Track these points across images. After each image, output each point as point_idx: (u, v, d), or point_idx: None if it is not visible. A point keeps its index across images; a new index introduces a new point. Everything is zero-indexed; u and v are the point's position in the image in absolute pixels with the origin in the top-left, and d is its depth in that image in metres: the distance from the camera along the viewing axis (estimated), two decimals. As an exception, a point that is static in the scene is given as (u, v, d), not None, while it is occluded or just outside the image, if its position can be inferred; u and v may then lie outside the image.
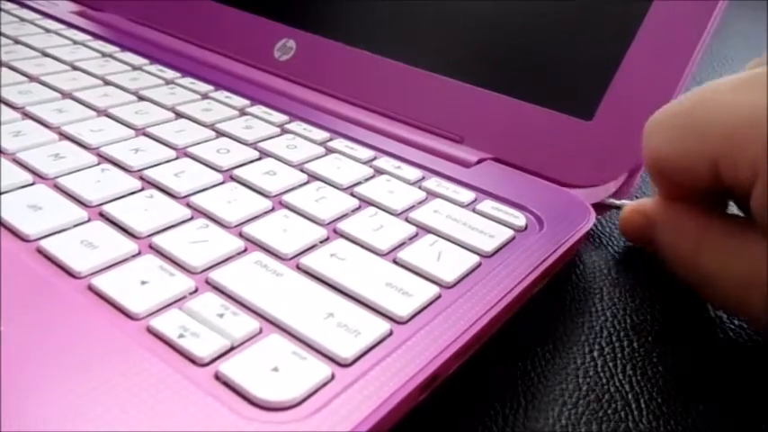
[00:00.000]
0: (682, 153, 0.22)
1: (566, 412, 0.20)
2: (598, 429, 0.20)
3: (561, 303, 0.25)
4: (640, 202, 0.26)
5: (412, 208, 0.25)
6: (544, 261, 0.23)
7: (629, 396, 0.21)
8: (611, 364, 0.22)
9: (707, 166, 0.21)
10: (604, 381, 0.22)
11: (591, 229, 0.26)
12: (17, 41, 0.38)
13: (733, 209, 0.24)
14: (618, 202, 0.28)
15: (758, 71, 0.21)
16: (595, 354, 0.23)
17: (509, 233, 0.24)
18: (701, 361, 0.23)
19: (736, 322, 0.25)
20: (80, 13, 0.44)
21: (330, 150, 0.29)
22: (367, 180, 0.27)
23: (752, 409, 0.21)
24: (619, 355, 0.23)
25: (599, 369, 0.22)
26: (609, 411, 0.20)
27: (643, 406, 0.21)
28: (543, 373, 0.22)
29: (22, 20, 0.42)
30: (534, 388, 0.21)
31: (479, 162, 0.29)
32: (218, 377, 0.17)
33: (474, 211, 0.26)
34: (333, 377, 0.17)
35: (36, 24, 0.42)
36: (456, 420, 0.20)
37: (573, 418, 0.20)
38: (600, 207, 0.28)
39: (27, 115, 0.29)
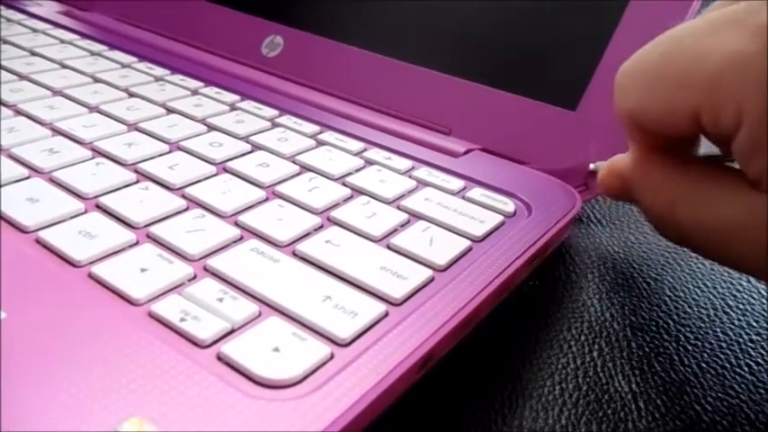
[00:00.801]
0: (659, 105, 0.21)
1: (566, 412, 0.20)
2: (598, 429, 0.20)
3: (561, 302, 0.25)
4: (614, 162, 0.25)
5: (403, 196, 0.26)
6: (533, 245, 0.23)
7: (629, 396, 0.21)
8: (610, 364, 0.22)
9: (686, 116, 0.20)
10: (604, 381, 0.22)
11: (579, 214, 0.26)
12: (5, 41, 0.38)
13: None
14: (596, 164, 0.28)
15: (732, 9, 0.19)
16: (595, 354, 0.23)
17: (498, 218, 0.25)
18: (701, 361, 0.23)
19: (737, 322, 0.25)
20: (66, 13, 0.45)
21: (321, 143, 0.30)
22: (358, 170, 0.28)
23: (752, 409, 0.21)
24: (619, 355, 0.23)
25: (599, 369, 0.22)
26: (609, 411, 0.21)
27: (643, 406, 0.21)
28: (543, 372, 0.22)
29: (9, 20, 0.42)
30: (534, 388, 0.21)
31: (467, 152, 0.30)
32: (220, 358, 0.17)
33: (464, 198, 0.26)
34: (332, 356, 0.18)
35: (23, 24, 0.42)
36: (456, 420, 0.20)
37: (573, 418, 0.20)
38: (587, 192, 0.28)
39: (19, 112, 0.29)
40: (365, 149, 0.29)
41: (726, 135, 0.19)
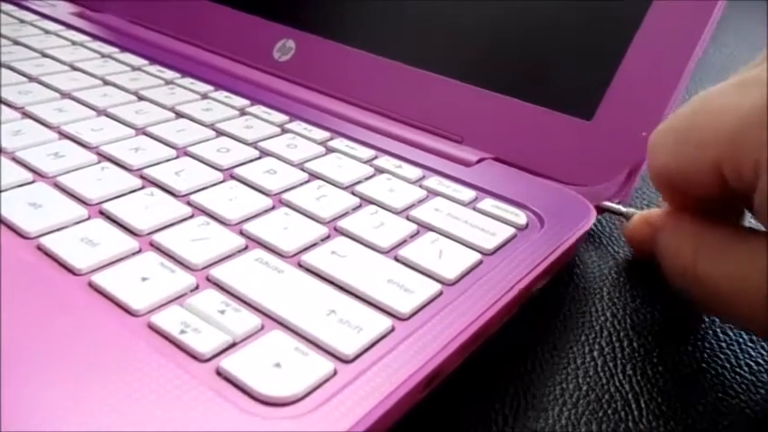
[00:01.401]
0: (684, 162, 0.22)
1: (566, 412, 0.20)
2: (598, 429, 0.20)
3: (561, 302, 0.25)
4: (649, 212, 0.26)
5: (413, 206, 0.25)
6: (545, 259, 0.23)
7: (629, 396, 0.21)
8: (611, 364, 0.22)
9: (711, 172, 0.21)
10: (604, 381, 0.22)
11: (591, 228, 0.26)
12: (16, 42, 0.38)
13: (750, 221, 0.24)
14: (617, 206, 0.28)
15: (754, 72, 0.20)
16: (595, 354, 0.23)
17: (510, 231, 0.24)
18: (701, 361, 0.23)
19: (737, 322, 0.25)
20: (79, 14, 0.44)
21: (330, 150, 0.29)
22: (367, 179, 0.27)
23: (752, 409, 0.21)
24: (619, 355, 0.23)
25: (599, 369, 0.22)
26: (609, 411, 0.20)
27: (643, 406, 0.21)
28: (543, 372, 0.22)
29: (22, 21, 0.42)
30: (534, 388, 0.21)
31: (479, 161, 0.29)
32: (219, 373, 0.17)
33: (475, 209, 0.26)
34: (335, 373, 0.17)
35: (35, 25, 0.42)
36: (456, 420, 0.20)
37: (573, 418, 0.20)
38: (600, 207, 0.28)
39: (27, 115, 0.29)
40: (375, 157, 0.29)
41: (750, 188, 0.20)
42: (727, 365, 0.23)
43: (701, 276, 0.22)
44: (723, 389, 0.22)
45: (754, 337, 0.24)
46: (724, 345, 0.24)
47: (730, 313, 0.22)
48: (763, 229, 0.21)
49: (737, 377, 0.22)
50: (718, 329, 0.24)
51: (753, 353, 0.23)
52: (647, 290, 0.26)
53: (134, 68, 0.36)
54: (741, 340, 0.24)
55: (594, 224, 0.26)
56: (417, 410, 0.19)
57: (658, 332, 0.24)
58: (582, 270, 0.27)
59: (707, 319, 0.25)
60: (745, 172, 0.20)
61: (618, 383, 0.21)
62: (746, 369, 0.23)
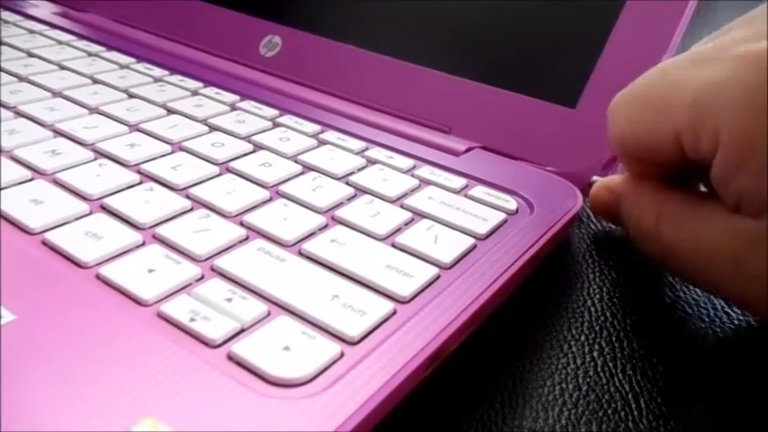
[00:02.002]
0: (644, 130, 0.22)
1: (566, 412, 0.20)
2: (598, 429, 0.20)
3: (556, 289, 0.26)
4: (609, 179, 0.27)
5: (406, 195, 0.26)
6: (537, 242, 0.24)
7: (629, 396, 0.21)
8: (611, 364, 0.22)
9: (670, 141, 0.21)
10: (604, 381, 0.22)
11: (579, 214, 0.26)
12: (2, 43, 0.38)
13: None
14: (599, 178, 0.28)
15: (709, 47, 0.21)
16: (595, 354, 0.23)
17: (501, 216, 0.25)
18: (701, 361, 0.23)
19: (737, 322, 0.25)
20: (62, 14, 0.44)
21: (322, 142, 0.30)
22: (361, 170, 0.28)
23: (752, 409, 0.21)
24: (619, 355, 0.23)
25: (599, 369, 0.22)
26: (609, 411, 0.21)
27: (643, 406, 0.21)
28: (543, 372, 0.22)
29: (5, 21, 0.42)
30: (534, 388, 0.21)
31: (468, 151, 0.30)
32: (230, 357, 0.17)
33: (466, 196, 0.26)
34: (342, 355, 0.18)
35: (19, 26, 0.42)
36: (456, 420, 0.20)
37: (573, 418, 0.20)
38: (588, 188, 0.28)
39: (20, 114, 0.29)
40: (366, 148, 0.30)
41: (707, 157, 0.20)
42: (728, 365, 0.23)
43: (664, 241, 0.23)
44: (723, 389, 0.22)
45: (754, 337, 0.24)
46: (724, 345, 0.24)
47: (695, 276, 0.23)
48: None
49: (738, 376, 0.22)
50: (718, 330, 0.24)
51: (753, 352, 0.24)
52: (647, 289, 0.26)
53: (122, 66, 0.37)
54: (741, 340, 0.24)
55: (594, 218, 0.27)
56: (418, 410, 0.19)
57: (658, 332, 0.24)
58: (582, 270, 0.27)
59: (707, 319, 0.25)
60: (702, 143, 0.20)
61: (618, 383, 0.22)
62: (747, 369, 0.23)
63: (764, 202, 0.20)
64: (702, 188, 0.25)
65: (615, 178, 0.27)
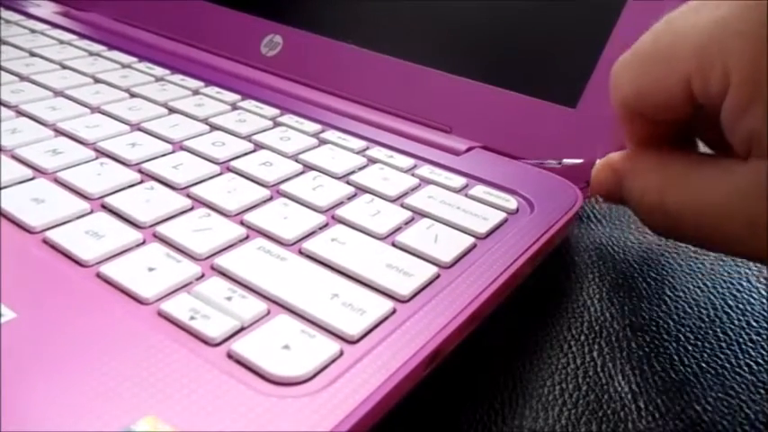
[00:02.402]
0: (651, 85, 0.22)
1: (566, 412, 0.20)
2: (598, 429, 0.20)
3: (552, 290, 0.26)
4: (608, 157, 0.26)
5: (406, 194, 0.26)
6: (537, 241, 0.24)
7: (629, 396, 0.21)
8: (610, 365, 0.22)
9: (679, 90, 0.21)
10: (604, 381, 0.22)
11: (579, 213, 0.26)
12: (4, 42, 0.38)
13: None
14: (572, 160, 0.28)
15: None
16: (595, 354, 0.23)
17: (501, 215, 0.25)
18: (701, 361, 0.23)
19: (737, 322, 0.25)
20: (64, 14, 0.44)
21: (323, 141, 0.30)
22: (361, 169, 0.28)
23: (752, 409, 0.21)
24: (619, 355, 0.23)
25: (599, 369, 0.22)
26: (609, 411, 0.21)
27: (643, 406, 0.21)
28: (543, 372, 0.22)
29: (7, 21, 0.42)
30: (534, 388, 0.21)
31: (468, 150, 0.30)
32: (230, 356, 0.17)
33: (466, 195, 0.26)
34: (341, 353, 0.18)
35: (20, 25, 0.42)
36: (456, 420, 0.20)
37: (573, 418, 0.20)
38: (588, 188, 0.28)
39: (21, 113, 0.30)
40: (367, 148, 0.30)
41: (717, 101, 0.20)
42: (728, 365, 0.23)
43: (669, 211, 0.22)
44: (723, 389, 0.22)
45: (754, 337, 0.24)
46: (724, 345, 0.24)
47: (706, 240, 0.22)
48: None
49: (737, 377, 0.22)
50: (718, 329, 0.25)
51: (753, 353, 0.24)
52: (646, 289, 0.26)
53: (123, 66, 0.37)
54: (741, 340, 0.24)
55: (594, 218, 0.27)
56: (418, 411, 0.19)
57: (658, 332, 0.24)
58: (582, 270, 0.27)
59: (707, 319, 0.25)
60: (713, 83, 0.20)
61: (618, 383, 0.22)
62: (746, 369, 0.23)
63: None
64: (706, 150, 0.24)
65: (615, 155, 0.26)
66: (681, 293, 0.26)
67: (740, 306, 0.26)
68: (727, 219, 0.21)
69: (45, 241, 0.21)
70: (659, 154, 0.24)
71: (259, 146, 0.29)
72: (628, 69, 0.23)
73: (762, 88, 0.19)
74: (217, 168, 0.26)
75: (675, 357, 0.23)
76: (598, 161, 0.27)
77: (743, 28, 0.19)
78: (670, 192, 0.22)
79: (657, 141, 0.24)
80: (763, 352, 0.24)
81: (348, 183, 0.27)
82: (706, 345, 0.24)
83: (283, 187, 0.26)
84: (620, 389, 0.22)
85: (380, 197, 0.26)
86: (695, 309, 0.25)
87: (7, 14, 0.43)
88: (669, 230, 0.24)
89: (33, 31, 0.41)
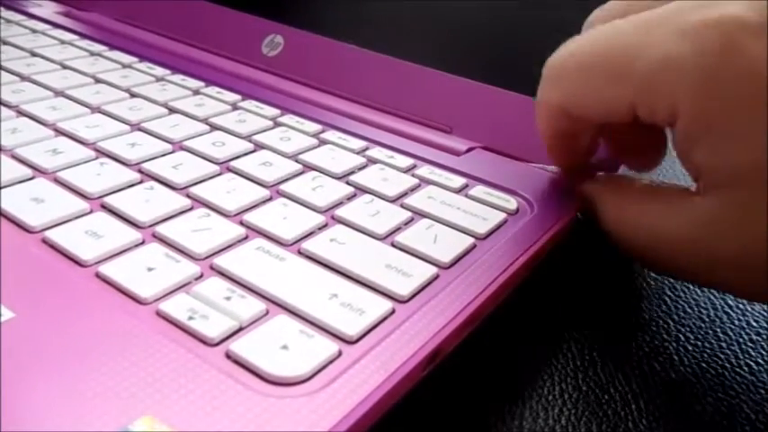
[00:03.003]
0: (595, 97, 0.22)
1: (566, 412, 0.20)
2: (598, 429, 0.20)
3: (552, 290, 0.26)
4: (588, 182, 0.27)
5: (406, 194, 0.26)
6: (537, 241, 0.24)
7: (629, 396, 0.21)
8: (610, 365, 0.22)
9: (624, 110, 0.21)
10: (604, 381, 0.22)
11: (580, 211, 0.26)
12: (5, 42, 0.38)
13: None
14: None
15: (661, 9, 0.21)
16: (595, 354, 0.23)
17: (501, 216, 0.25)
18: (701, 361, 0.23)
19: (737, 322, 0.25)
20: (65, 14, 0.45)
21: (323, 142, 0.30)
22: (361, 169, 0.28)
23: (752, 409, 0.21)
24: (619, 356, 0.23)
25: (599, 369, 0.22)
26: (609, 411, 0.21)
27: (643, 406, 0.21)
28: (542, 372, 0.22)
29: (8, 21, 0.42)
30: (534, 388, 0.21)
31: (469, 150, 0.30)
32: (229, 356, 0.17)
33: (466, 196, 0.26)
34: (340, 354, 0.18)
35: (22, 25, 0.42)
36: (456, 420, 0.20)
37: (573, 418, 0.20)
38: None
39: (22, 113, 0.30)
40: (367, 148, 0.30)
41: (663, 125, 0.21)
42: (728, 365, 0.23)
43: (626, 236, 0.23)
44: (723, 389, 0.22)
45: (754, 337, 0.24)
46: (724, 345, 0.24)
47: (664, 268, 0.24)
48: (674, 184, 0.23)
49: (737, 377, 0.22)
50: (718, 329, 0.24)
51: (753, 353, 0.24)
52: (646, 289, 0.26)
53: (124, 66, 0.37)
54: (741, 340, 0.24)
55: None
56: (418, 411, 0.19)
57: (658, 332, 0.24)
58: (582, 270, 0.27)
59: (707, 320, 0.25)
60: (660, 113, 0.20)
61: (618, 383, 0.22)
62: (746, 369, 0.23)
63: (722, 179, 0.20)
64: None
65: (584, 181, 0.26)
66: (681, 293, 0.26)
67: (740, 306, 0.26)
68: (684, 251, 0.22)
69: (44, 241, 0.21)
70: (620, 177, 0.25)
71: (259, 146, 0.29)
72: (565, 75, 0.23)
73: (707, 129, 0.20)
74: (217, 168, 0.26)
75: (675, 357, 0.23)
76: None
77: (691, 69, 0.19)
78: (625, 218, 0.23)
79: (576, 152, 0.25)
80: (763, 352, 0.24)
81: (348, 183, 0.26)
82: (706, 345, 0.24)
83: (283, 187, 0.26)
84: (620, 389, 0.21)
85: (380, 197, 0.26)
86: (695, 309, 0.25)
87: (8, 14, 0.44)
88: (632, 256, 0.24)
89: (34, 31, 0.41)
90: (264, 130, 0.30)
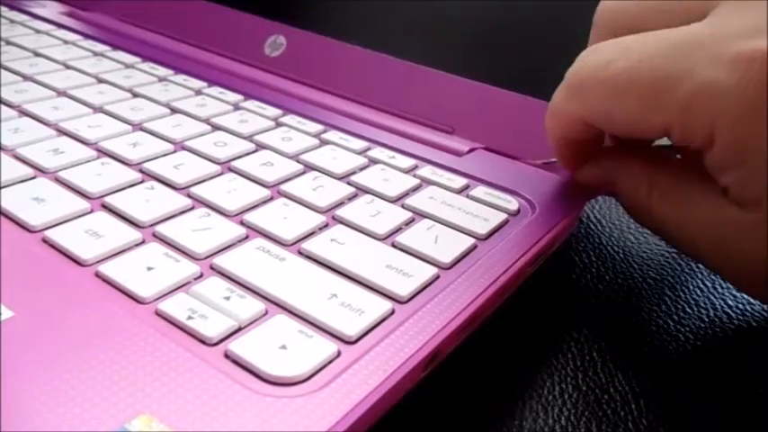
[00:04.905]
0: (627, 116, 0.22)
1: (566, 412, 0.20)
2: (598, 429, 0.20)
3: (552, 290, 0.26)
4: (597, 157, 0.26)
5: (407, 195, 0.26)
6: (537, 242, 0.24)
7: (629, 396, 0.21)
8: (610, 365, 0.22)
9: (657, 130, 0.21)
10: (604, 381, 0.22)
11: (583, 213, 0.26)
12: (8, 42, 0.38)
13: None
14: None
15: (707, 33, 0.20)
16: (595, 354, 0.23)
17: (502, 217, 0.25)
18: (701, 360, 0.23)
19: (736, 322, 0.25)
20: (69, 14, 0.45)
21: (324, 142, 0.30)
22: (362, 169, 0.28)
23: (752, 409, 0.21)
24: (619, 355, 0.23)
25: (599, 369, 0.22)
26: (609, 411, 0.21)
27: (643, 406, 0.21)
28: (542, 372, 0.22)
29: (12, 21, 0.42)
30: (534, 388, 0.21)
31: (471, 151, 0.30)
32: (227, 356, 0.17)
33: (468, 196, 0.26)
34: (339, 354, 0.18)
35: (26, 25, 0.42)
36: (456, 421, 0.20)
37: (573, 418, 0.20)
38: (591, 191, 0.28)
39: (24, 113, 0.30)
40: (369, 148, 0.30)
41: (695, 149, 0.21)
42: (727, 365, 0.23)
43: (654, 215, 0.23)
44: (723, 389, 0.22)
45: (754, 337, 0.24)
46: (724, 345, 0.24)
47: (683, 249, 0.24)
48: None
49: (737, 377, 0.22)
50: (718, 329, 0.24)
51: (753, 353, 0.24)
52: (646, 289, 0.26)
53: (127, 66, 0.37)
54: (741, 340, 0.24)
55: (594, 218, 0.27)
56: (417, 411, 0.19)
57: (658, 332, 0.24)
58: (582, 270, 0.27)
59: (707, 319, 0.25)
60: (696, 138, 0.20)
61: (618, 383, 0.22)
62: (746, 369, 0.23)
63: (751, 198, 0.20)
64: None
65: (604, 155, 0.26)
66: (681, 293, 0.26)
67: (740, 306, 0.25)
68: (703, 240, 0.22)
69: (44, 240, 0.21)
70: (649, 156, 0.24)
71: (260, 146, 0.29)
72: (597, 89, 0.22)
73: (744, 157, 0.20)
74: (218, 168, 0.26)
75: (675, 357, 0.23)
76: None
77: (734, 101, 0.19)
78: (657, 198, 0.23)
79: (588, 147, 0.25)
80: (764, 352, 0.24)
81: (349, 183, 0.26)
82: (706, 345, 0.24)
83: (284, 187, 0.26)
84: (620, 389, 0.21)
85: (381, 198, 0.26)
86: (695, 309, 0.25)
87: (12, 14, 0.44)
88: (655, 231, 0.25)
89: (38, 32, 0.41)
90: (266, 131, 0.30)
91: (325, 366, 0.17)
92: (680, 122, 0.20)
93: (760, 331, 0.25)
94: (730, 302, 0.26)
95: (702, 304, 0.25)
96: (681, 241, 0.23)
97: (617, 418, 0.20)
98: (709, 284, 0.27)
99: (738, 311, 0.25)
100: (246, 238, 0.22)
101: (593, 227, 0.30)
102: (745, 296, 0.26)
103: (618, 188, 0.25)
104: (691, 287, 0.26)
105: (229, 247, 0.22)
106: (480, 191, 0.27)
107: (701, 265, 0.28)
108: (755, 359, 0.23)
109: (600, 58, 0.22)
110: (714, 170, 0.21)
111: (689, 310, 0.25)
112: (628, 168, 0.25)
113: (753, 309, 0.25)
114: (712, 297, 0.26)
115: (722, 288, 0.26)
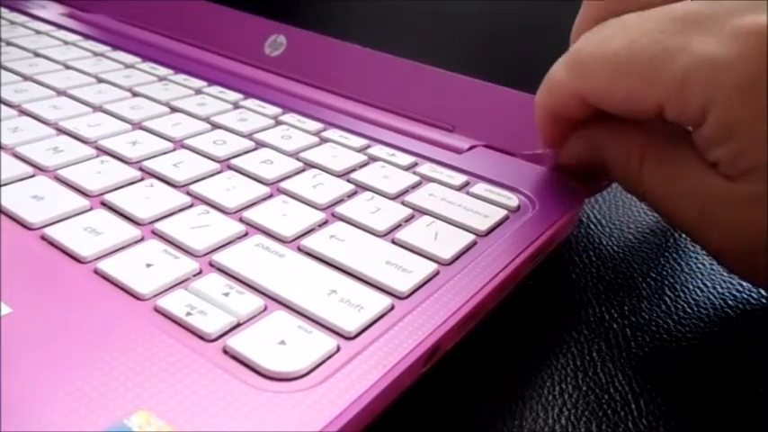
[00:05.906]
0: (624, 93, 0.22)
1: (566, 412, 0.20)
2: (598, 429, 0.20)
3: (552, 290, 0.25)
4: (580, 131, 0.26)
5: (407, 192, 0.26)
6: (537, 239, 0.23)
7: (629, 396, 0.21)
8: (610, 365, 0.22)
9: (651, 107, 0.21)
10: (604, 381, 0.22)
11: (582, 210, 0.26)
12: (9, 43, 0.38)
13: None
14: None
15: (706, 6, 0.20)
16: (595, 354, 0.23)
17: (502, 213, 0.25)
18: (701, 361, 0.23)
19: (737, 322, 0.25)
20: (69, 15, 0.45)
21: (324, 140, 0.30)
22: (362, 167, 0.28)
23: (752, 409, 0.21)
24: (619, 355, 0.23)
25: (599, 369, 0.22)
26: (609, 411, 0.20)
27: (643, 406, 0.21)
28: (542, 372, 0.22)
29: (13, 22, 0.42)
30: (534, 388, 0.21)
31: (471, 149, 0.30)
32: (226, 351, 0.17)
33: (468, 193, 0.26)
34: (338, 349, 0.18)
35: (26, 26, 0.42)
36: (456, 421, 0.20)
37: (573, 418, 0.20)
38: (591, 188, 0.28)
39: (24, 112, 0.30)
40: (368, 146, 0.30)
41: (688, 125, 0.21)
42: (727, 365, 0.23)
43: (645, 181, 0.23)
44: (723, 389, 0.22)
45: (755, 338, 0.24)
46: (724, 345, 0.24)
47: (667, 217, 0.24)
48: None
49: (738, 377, 0.22)
50: (718, 329, 0.24)
51: (753, 353, 0.23)
52: (646, 289, 0.26)
53: (127, 66, 0.37)
54: (741, 340, 0.24)
55: (594, 218, 0.26)
56: (417, 410, 0.19)
57: (658, 332, 0.24)
58: (582, 270, 0.27)
59: (707, 319, 0.25)
60: (689, 114, 0.20)
61: (618, 383, 0.22)
62: (746, 369, 0.23)
63: (741, 171, 0.20)
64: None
65: (588, 128, 0.26)
66: (681, 293, 0.26)
67: (740, 306, 0.25)
68: (686, 207, 0.22)
69: (43, 237, 0.21)
70: (643, 127, 0.24)
71: (260, 144, 0.29)
72: (597, 67, 0.22)
73: (735, 132, 0.20)
74: (217, 166, 0.26)
75: (675, 357, 0.23)
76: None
77: (731, 76, 0.19)
78: (648, 164, 0.23)
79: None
80: (764, 352, 0.23)
81: (348, 180, 0.26)
82: (706, 345, 0.24)
83: (283, 185, 0.25)
84: (620, 389, 0.21)
85: (381, 195, 0.26)
86: (695, 309, 0.25)
87: (12, 16, 0.44)
88: (642, 198, 0.25)
89: (38, 32, 0.41)
90: (266, 129, 0.30)
91: (324, 362, 0.17)
92: (675, 97, 0.20)
93: (760, 331, 0.24)
94: (730, 302, 0.26)
95: (702, 304, 0.25)
96: (664, 207, 0.23)
97: (617, 418, 0.20)
98: (709, 284, 0.26)
99: (738, 311, 0.25)
100: (246, 234, 0.22)
101: (593, 227, 0.30)
102: (746, 296, 0.26)
103: (607, 155, 0.25)
104: (691, 287, 0.26)
105: (228, 243, 0.22)
106: (480, 188, 0.27)
107: (701, 266, 0.28)
108: (755, 359, 0.23)
109: (602, 34, 0.23)
110: (703, 146, 0.21)
111: (689, 310, 0.25)
112: (620, 133, 0.24)
113: (753, 309, 0.25)
114: (712, 297, 0.26)
115: (722, 288, 0.26)
